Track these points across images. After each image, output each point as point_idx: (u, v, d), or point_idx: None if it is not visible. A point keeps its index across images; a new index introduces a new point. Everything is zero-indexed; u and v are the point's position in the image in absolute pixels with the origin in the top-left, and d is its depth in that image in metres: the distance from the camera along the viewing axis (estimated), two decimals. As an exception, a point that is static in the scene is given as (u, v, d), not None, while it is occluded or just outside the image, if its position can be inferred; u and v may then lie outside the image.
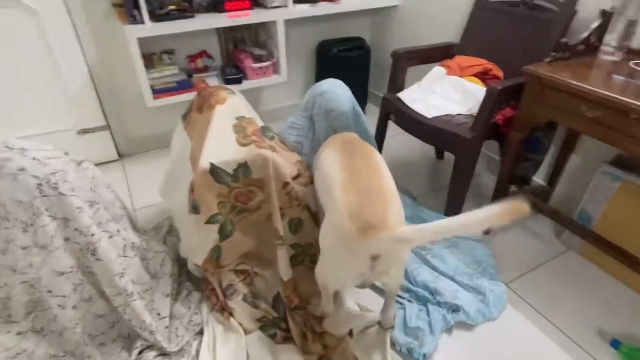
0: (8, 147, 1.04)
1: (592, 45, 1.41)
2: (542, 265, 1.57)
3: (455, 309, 1.35)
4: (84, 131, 2.10)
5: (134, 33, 1.79)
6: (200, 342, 1.25)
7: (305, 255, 1.38)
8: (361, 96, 2.17)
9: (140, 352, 1.19)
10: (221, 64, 2.28)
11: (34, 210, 1.00)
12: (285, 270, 1.30)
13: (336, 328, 1.26)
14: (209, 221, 1.25)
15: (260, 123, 1.39)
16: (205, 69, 2.19)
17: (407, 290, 1.42)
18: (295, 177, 1.32)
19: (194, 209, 1.25)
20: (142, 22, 1.82)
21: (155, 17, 1.85)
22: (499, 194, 1.60)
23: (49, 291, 1.06)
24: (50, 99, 1.94)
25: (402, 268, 1.24)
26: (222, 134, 1.27)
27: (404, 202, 1.60)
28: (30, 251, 1.03)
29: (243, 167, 1.24)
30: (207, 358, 1.19)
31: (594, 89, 1.14)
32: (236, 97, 1.42)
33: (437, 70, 1.81)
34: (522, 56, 1.61)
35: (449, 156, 2.12)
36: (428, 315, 1.33)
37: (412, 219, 1.72)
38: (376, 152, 1.20)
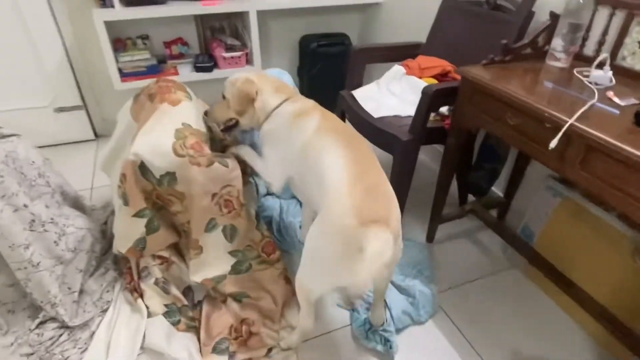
0: None
1: (540, 50, 1.31)
2: (480, 279, 1.49)
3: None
4: (60, 109, 2.18)
5: (101, 16, 1.84)
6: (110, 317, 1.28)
7: (249, 260, 1.35)
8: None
9: (42, 323, 1.22)
10: (198, 52, 2.31)
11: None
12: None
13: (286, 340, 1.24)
14: (137, 214, 1.26)
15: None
16: (180, 55, 2.22)
17: None
18: (225, 187, 1.25)
19: (124, 199, 1.25)
20: (112, 6, 1.86)
21: (126, 1, 1.89)
22: (438, 202, 1.53)
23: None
24: (26, 76, 2.03)
25: (393, 268, 1.16)
26: (162, 133, 1.23)
27: None
28: None
29: (170, 176, 1.20)
30: (104, 334, 1.22)
31: (515, 94, 1.07)
32: (191, 103, 1.37)
33: (396, 69, 1.74)
34: (480, 59, 1.53)
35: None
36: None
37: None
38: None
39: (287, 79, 1.53)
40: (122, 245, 1.30)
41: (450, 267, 1.53)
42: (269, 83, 1.27)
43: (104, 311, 1.30)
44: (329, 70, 2.44)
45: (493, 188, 1.78)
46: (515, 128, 1.10)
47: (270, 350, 1.22)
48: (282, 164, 1.19)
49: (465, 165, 1.68)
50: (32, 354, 1.15)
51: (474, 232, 1.71)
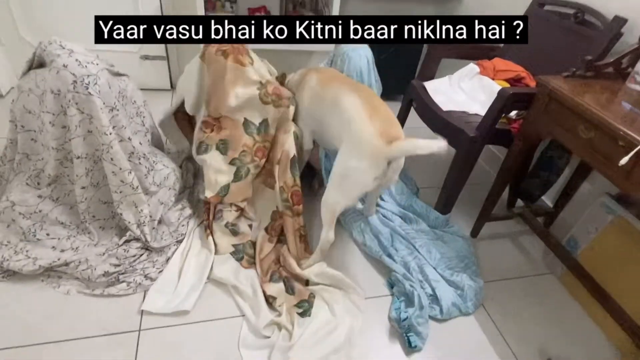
0: (61, 45, 1.27)
1: (623, 71, 1.35)
2: (517, 279, 1.57)
3: (434, 298, 1.40)
4: (146, 57, 2.36)
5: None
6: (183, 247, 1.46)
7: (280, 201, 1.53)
8: (406, 82, 2.19)
9: (127, 241, 1.41)
10: (278, 22, 2.42)
11: (66, 101, 1.23)
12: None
13: (309, 271, 1.42)
14: (231, 162, 1.49)
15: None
16: (261, 23, 2.34)
17: (405, 277, 1.45)
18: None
19: (224, 149, 1.50)
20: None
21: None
22: (490, 201, 1.61)
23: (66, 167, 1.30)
24: (123, 22, 2.20)
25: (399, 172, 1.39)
26: (248, 90, 1.47)
27: (402, 190, 1.78)
28: (57, 131, 1.26)
29: (265, 124, 1.50)
30: (177, 261, 1.40)
31: (592, 108, 1.13)
32: (257, 64, 1.55)
33: (471, 67, 1.80)
34: (558, 71, 1.57)
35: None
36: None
37: (405, 208, 1.78)
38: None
39: (363, 53, 1.63)
40: (209, 191, 1.48)
41: (491, 263, 1.62)
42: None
43: (179, 242, 1.48)
44: (398, 57, 2.50)
45: (543, 197, 1.83)
46: (587, 141, 1.16)
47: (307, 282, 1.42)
48: (305, 122, 1.55)
49: (521, 170, 1.74)
50: (118, 265, 1.34)
51: (517, 235, 1.78)
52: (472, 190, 1.83)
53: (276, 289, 1.37)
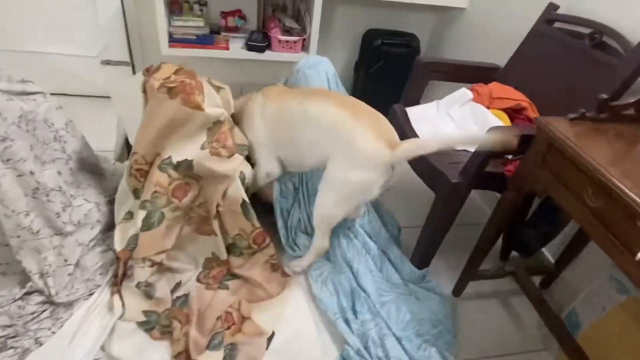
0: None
1: (648, 114, 1.06)
2: (507, 356, 1.29)
3: None
4: (107, 62, 2.13)
5: (159, -27, 1.73)
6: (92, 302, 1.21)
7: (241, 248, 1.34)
8: (396, 100, 1.88)
9: (28, 294, 1.18)
10: (255, 27, 2.16)
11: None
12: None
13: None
14: (141, 206, 1.20)
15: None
16: (235, 29, 2.09)
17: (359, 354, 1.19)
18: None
19: (135, 194, 1.24)
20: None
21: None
22: (476, 258, 1.33)
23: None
24: (79, 23, 1.98)
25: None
26: (191, 145, 1.20)
27: (380, 234, 1.55)
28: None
29: (186, 163, 1.19)
30: (77, 320, 1.14)
31: (603, 169, 0.84)
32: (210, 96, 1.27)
33: (463, 92, 1.52)
34: (566, 103, 1.29)
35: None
36: None
37: (379, 256, 1.49)
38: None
39: (322, 69, 1.38)
40: (118, 244, 1.23)
41: (472, 332, 1.34)
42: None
43: (91, 294, 1.23)
44: (389, 71, 2.22)
45: (543, 249, 1.54)
46: (594, 212, 0.88)
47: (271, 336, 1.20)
48: (265, 154, 1.34)
49: (517, 218, 1.45)
50: (9, 326, 1.10)
51: (508, 295, 1.49)
52: (460, 232, 1.53)
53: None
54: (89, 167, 1.44)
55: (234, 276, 1.35)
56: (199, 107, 1.14)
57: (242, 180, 1.26)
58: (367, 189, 1.18)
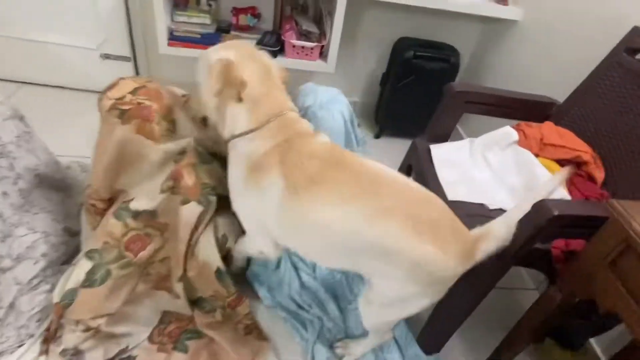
0: None
1: None
2: None
3: None
4: (107, 56, 1.94)
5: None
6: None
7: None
8: (422, 127, 1.55)
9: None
10: (271, 28, 1.90)
11: None
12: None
13: None
14: (87, 256, 0.99)
15: None
16: (246, 28, 1.84)
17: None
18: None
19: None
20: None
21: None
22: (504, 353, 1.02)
23: None
24: (78, 10, 1.79)
25: None
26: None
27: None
28: None
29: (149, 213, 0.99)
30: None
31: None
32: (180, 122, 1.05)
33: (506, 131, 1.20)
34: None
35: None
36: None
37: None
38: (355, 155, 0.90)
39: (337, 109, 1.09)
40: (56, 295, 1.01)
41: None
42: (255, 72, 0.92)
43: (21, 345, 1.03)
44: (420, 89, 1.90)
45: (592, 339, 1.21)
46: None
47: None
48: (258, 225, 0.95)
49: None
50: None
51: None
52: (489, 298, 1.20)
53: None
54: (50, 185, 1.24)
55: (197, 333, 1.12)
56: (156, 138, 0.90)
57: (222, 245, 1.02)
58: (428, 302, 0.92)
